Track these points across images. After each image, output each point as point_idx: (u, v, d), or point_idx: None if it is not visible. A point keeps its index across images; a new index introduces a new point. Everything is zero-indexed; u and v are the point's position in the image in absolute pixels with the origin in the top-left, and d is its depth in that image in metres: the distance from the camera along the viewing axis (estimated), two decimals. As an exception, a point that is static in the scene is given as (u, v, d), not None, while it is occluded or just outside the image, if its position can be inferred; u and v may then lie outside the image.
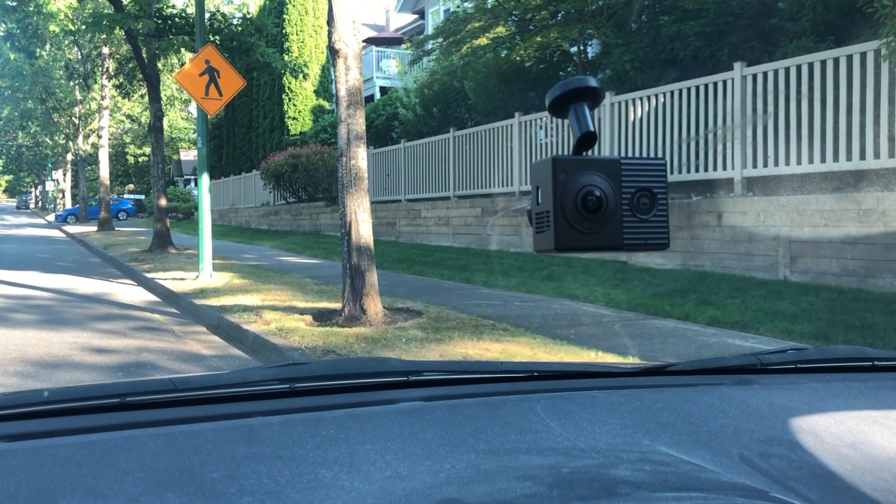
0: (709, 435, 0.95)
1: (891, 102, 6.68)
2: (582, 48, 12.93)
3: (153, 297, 8.86)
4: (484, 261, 10.67)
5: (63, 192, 52.31)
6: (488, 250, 12.08)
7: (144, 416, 0.93)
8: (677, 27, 9.92)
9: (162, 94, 17.39)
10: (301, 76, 16.86)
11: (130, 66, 21.73)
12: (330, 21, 6.04)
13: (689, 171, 8.85)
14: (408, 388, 1.09)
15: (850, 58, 7.01)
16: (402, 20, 32.91)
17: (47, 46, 26.97)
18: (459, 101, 16.39)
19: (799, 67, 7.53)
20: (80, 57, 28.76)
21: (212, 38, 13.25)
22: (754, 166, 8.00)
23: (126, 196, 50.44)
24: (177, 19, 14.01)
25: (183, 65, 10.98)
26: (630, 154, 9.33)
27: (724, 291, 6.79)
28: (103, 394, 0.98)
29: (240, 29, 14.51)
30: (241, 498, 0.74)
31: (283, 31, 27.22)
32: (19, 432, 0.88)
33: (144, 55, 14.60)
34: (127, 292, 9.30)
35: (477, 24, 13.37)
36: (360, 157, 6.03)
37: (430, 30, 22.97)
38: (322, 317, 6.15)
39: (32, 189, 77.44)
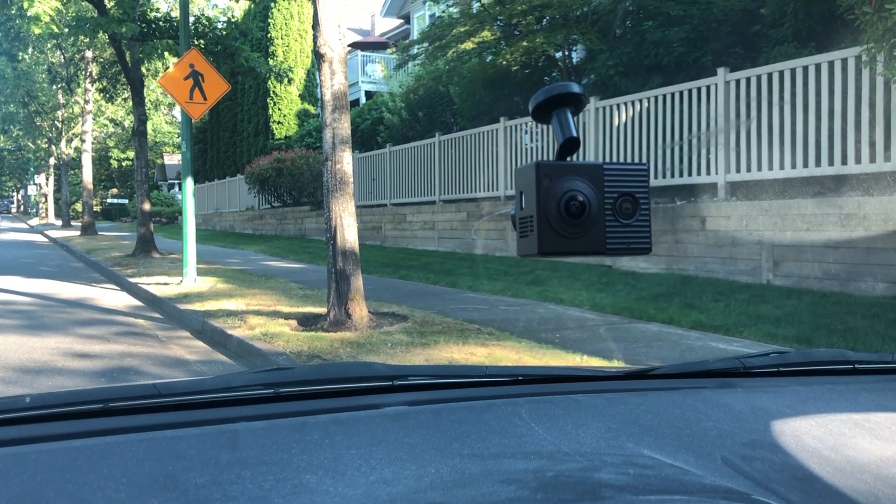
0: (692, 438, 0.96)
1: (871, 108, 6.75)
2: (567, 53, 12.99)
3: (136, 302, 8.79)
4: (469, 265, 10.67)
5: (45, 196, 51.76)
6: (474, 254, 12.09)
7: (127, 422, 0.93)
8: (661, 33, 9.98)
9: (146, 98, 17.28)
10: (286, 80, 16.82)
11: (114, 69, 21.58)
12: (315, 25, 6.03)
13: (673, 176, 8.90)
14: (393, 393, 1.09)
15: (831, 64, 7.08)
16: (387, 25, 32.92)
17: (29, 50, 26.74)
18: (445, 105, 16.42)
19: (781, 73, 7.60)
20: (62, 60, 28.54)
21: (196, 42, 13.18)
22: (737, 171, 8.06)
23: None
24: (161, 23, 13.93)
25: (167, 69, 10.92)
26: (615, 159, 9.39)
27: (707, 295, 6.83)
28: (86, 399, 0.98)
29: (224, 33, 14.45)
30: (225, 503, 0.73)
31: (268, 36, 27.14)
32: (1, 438, 0.87)
33: (128, 59, 14.51)
34: (110, 297, 9.22)
35: (462, 29, 13.40)
36: (346, 161, 6.02)
37: (415, 34, 22.97)
38: (307, 321, 6.13)
39: (14, 193, 76.68)
